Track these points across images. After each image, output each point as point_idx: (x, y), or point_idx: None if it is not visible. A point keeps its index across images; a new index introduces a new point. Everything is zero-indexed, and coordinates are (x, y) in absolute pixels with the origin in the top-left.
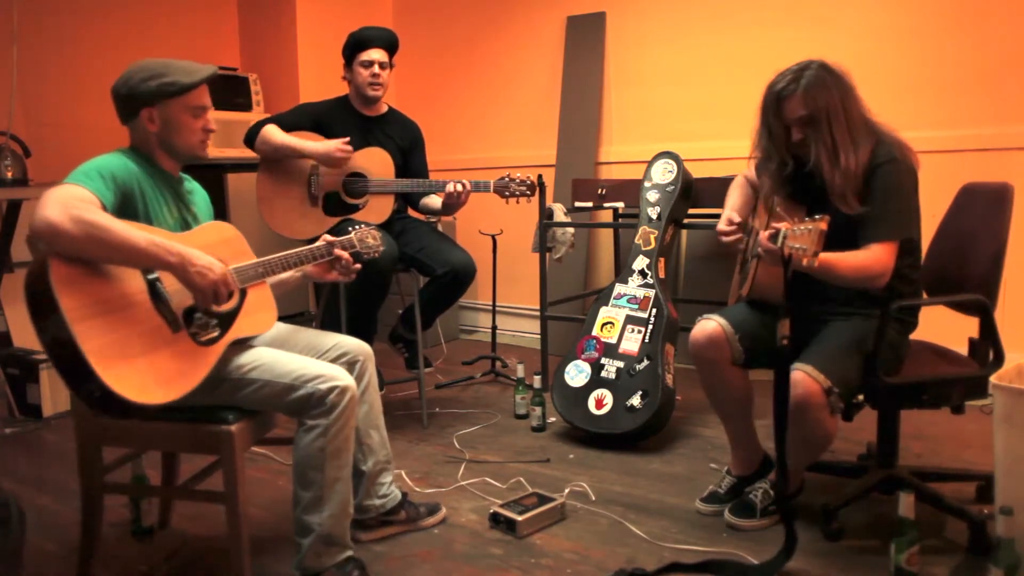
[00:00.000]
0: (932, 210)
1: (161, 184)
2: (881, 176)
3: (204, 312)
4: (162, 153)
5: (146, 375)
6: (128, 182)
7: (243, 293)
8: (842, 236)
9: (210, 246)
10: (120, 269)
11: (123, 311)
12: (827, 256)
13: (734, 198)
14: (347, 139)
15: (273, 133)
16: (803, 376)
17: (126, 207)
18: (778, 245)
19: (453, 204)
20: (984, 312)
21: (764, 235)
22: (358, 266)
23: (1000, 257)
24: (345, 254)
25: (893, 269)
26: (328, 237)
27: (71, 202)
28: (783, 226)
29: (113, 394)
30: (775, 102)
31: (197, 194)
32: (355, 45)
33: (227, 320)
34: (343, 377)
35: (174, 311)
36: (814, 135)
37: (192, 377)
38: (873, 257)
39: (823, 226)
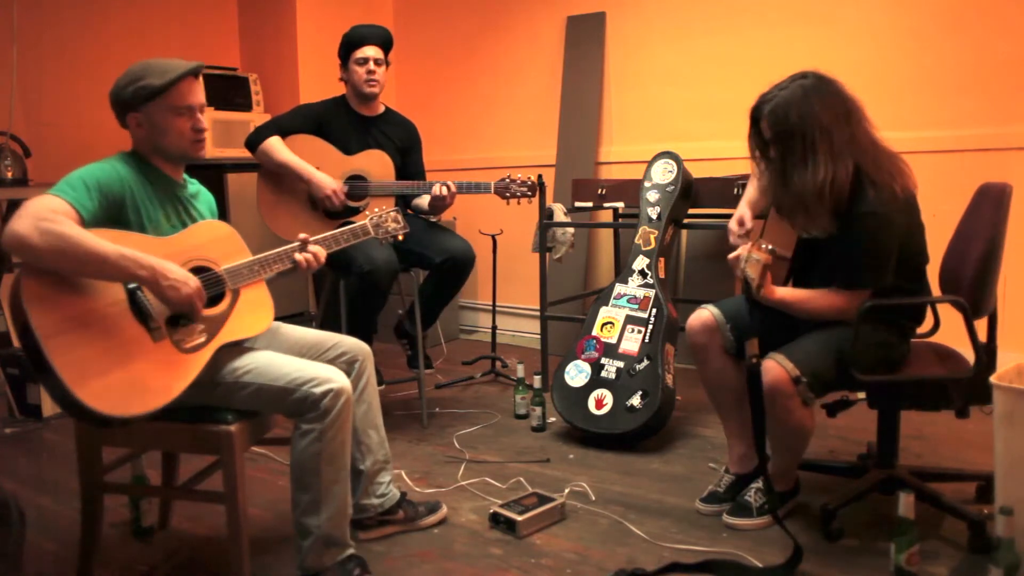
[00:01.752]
0: (932, 209)
1: (158, 189)
2: (858, 227)
3: (189, 316)
4: (157, 157)
5: (121, 388)
6: (117, 189)
7: (235, 294)
8: (815, 259)
9: (202, 246)
10: (97, 281)
11: (99, 324)
12: (785, 294)
13: (751, 189)
14: (345, 190)
15: (276, 149)
16: (772, 364)
17: (116, 215)
18: (741, 267)
19: (439, 205)
20: (964, 312)
21: (742, 251)
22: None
23: (989, 258)
24: (322, 255)
25: (857, 309)
26: (304, 235)
27: (42, 213)
28: (746, 249)
29: (87, 409)
30: (753, 120)
31: (202, 197)
32: (349, 44)
33: (215, 324)
34: (338, 379)
35: (156, 319)
36: (776, 156)
37: (173, 387)
38: (834, 304)
39: (767, 260)
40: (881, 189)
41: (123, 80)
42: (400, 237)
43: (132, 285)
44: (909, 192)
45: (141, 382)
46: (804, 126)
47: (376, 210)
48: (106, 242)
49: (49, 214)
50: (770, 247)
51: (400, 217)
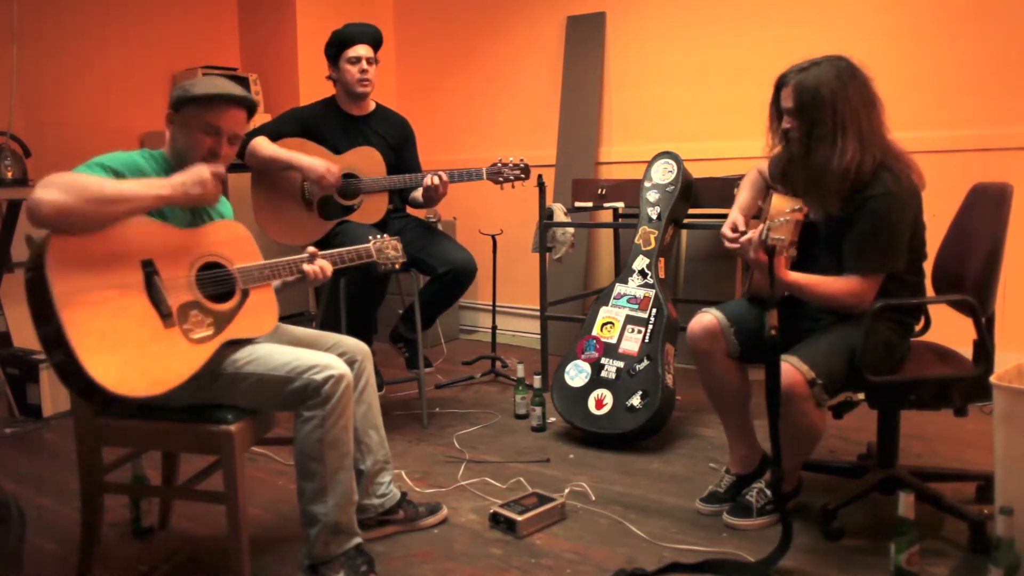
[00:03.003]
0: (932, 209)
1: None
2: (872, 208)
3: (201, 309)
4: (178, 162)
5: (129, 367)
6: (133, 176)
7: (245, 294)
8: (827, 242)
9: (218, 243)
10: (118, 260)
11: (115, 301)
12: (799, 277)
13: (743, 196)
14: (337, 167)
15: (261, 146)
16: (788, 367)
17: None
18: (763, 238)
19: (433, 196)
20: (973, 312)
21: (752, 234)
22: (329, 273)
23: (994, 257)
24: (329, 268)
25: (874, 296)
26: (312, 249)
27: (57, 179)
28: (756, 232)
29: (93, 382)
30: (776, 87)
31: (218, 204)
32: (339, 43)
33: (223, 319)
34: (338, 365)
35: (168, 305)
36: (797, 128)
37: (177, 373)
38: (851, 289)
39: (799, 216)
40: (897, 175)
41: (184, 82)
42: (397, 266)
43: (149, 268)
44: (919, 186)
45: (149, 364)
46: (836, 103)
47: (378, 236)
48: (122, 181)
49: (66, 176)
50: (799, 207)
51: (399, 246)
